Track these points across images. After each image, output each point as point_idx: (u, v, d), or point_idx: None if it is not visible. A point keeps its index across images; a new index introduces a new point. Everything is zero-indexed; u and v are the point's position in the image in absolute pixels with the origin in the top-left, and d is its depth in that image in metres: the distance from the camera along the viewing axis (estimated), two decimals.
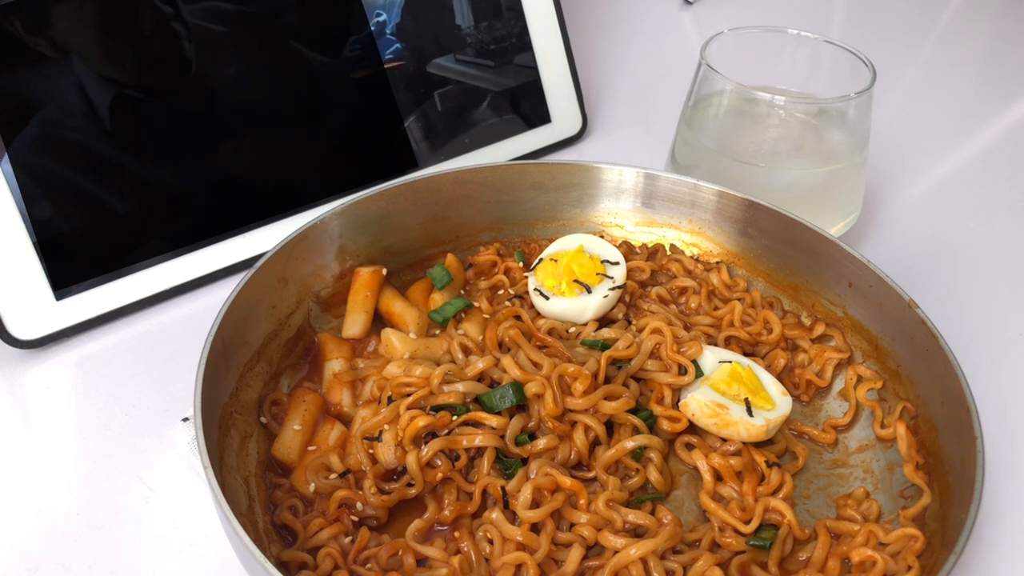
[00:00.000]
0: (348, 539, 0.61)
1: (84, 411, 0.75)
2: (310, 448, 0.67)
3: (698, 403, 0.68)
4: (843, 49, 0.87)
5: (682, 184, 0.83)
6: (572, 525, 0.62)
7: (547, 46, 1.00)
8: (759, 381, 0.70)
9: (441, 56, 0.95)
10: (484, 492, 0.64)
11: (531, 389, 0.66)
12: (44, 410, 0.75)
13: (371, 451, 0.64)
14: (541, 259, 0.79)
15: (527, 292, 0.77)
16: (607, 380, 0.69)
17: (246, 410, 0.67)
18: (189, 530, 0.66)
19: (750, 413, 0.67)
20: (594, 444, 0.67)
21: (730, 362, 0.71)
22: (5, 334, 0.76)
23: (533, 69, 1.00)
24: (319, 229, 0.75)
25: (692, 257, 0.84)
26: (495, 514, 0.61)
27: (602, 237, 0.83)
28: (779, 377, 0.73)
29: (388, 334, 0.73)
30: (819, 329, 0.77)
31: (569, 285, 0.75)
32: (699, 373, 0.70)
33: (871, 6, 1.47)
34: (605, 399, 0.67)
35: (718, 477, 0.66)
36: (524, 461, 0.65)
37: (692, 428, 0.69)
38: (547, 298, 0.75)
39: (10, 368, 0.78)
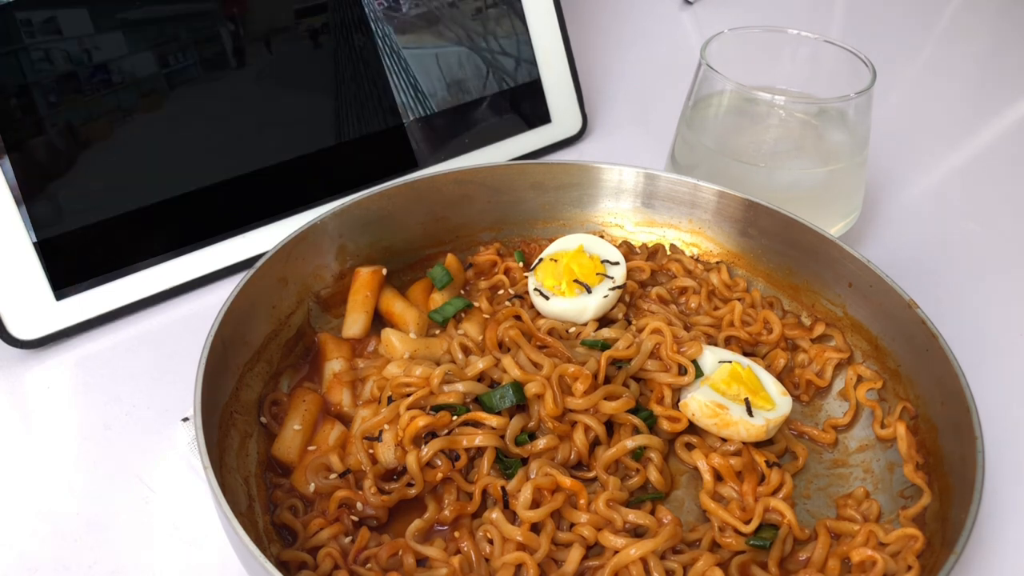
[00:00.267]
0: (348, 539, 0.61)
1: (84, 411, 0.75)
2: (310, 448, 0.67)
3: (698, 403, 0.67)
4: (843, 49, 0.87)
5: (682, 184, 0.83)
6: (572, 525, 0.62)
7: (547, 46, 1.00)
8: (759, 381, 0.70)
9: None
10: (484, 492, 0.64)
11: (531, 389, 0.66)
12: (44, 410, 0.75)
13: (371, 451, 0.64)
14: (541, 259, 0.79)
15: (527, 292, 0.77)
16: (607, 380, 0.69)
17: (246, 410, 0.67)
18: (189, 530, 0.66)
19: (750, 413, 0.67)
20: (594, 444, 0.67)
21: (730, 362, 0.71)
22: (5, 334, 0.76)
23: (533, 69, 1.00)
24: (319, 229, 0.75)
25: (692, 257, 0.84)
26: (495, 514, 0.61)
27: (602, 237, 0.83)
28: (779, 377, 0.73)
29: (388, 334, 0.73)
30: (819, 329, 0.77)
31: (569, 285, 0.75)
32: (699, 373, 0.70)
33: (871, 6, 1.47)
34: (605, 399, 0.67)
35: (718, 477, 0.66)
36: (524, 461, 0.65)
37: (692, 428, 0.69)
38: (547, 298, 0.75)
39: (10, 368, 0.78)
